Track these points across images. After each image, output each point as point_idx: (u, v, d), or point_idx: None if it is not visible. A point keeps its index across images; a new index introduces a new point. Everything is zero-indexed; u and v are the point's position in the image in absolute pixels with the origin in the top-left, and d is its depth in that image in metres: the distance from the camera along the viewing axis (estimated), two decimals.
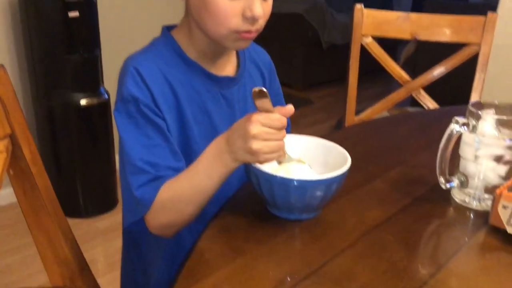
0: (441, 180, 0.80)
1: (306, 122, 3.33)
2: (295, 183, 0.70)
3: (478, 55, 1.47)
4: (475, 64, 1.48)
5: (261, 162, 0.71)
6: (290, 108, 0.70)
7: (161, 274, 0.90)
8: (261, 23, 0.80)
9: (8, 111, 0.76)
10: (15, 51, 2.15)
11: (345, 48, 1.53)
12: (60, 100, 2.03)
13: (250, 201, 0.80)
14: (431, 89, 1.54)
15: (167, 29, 0.88)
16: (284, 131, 0.71)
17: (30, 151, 0.79)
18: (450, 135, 0.76)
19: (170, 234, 0.81)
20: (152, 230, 0.80)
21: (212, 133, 0.77)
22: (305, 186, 0.70)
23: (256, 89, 0.68)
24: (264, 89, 0.68)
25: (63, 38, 1.96)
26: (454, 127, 0.76)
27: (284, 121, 0.69)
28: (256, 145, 0.68)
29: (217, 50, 0.86)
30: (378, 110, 1.53)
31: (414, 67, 2.87)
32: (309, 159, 0.80)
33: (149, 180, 0.77)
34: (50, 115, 2.08)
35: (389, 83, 3.81)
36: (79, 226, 2.12)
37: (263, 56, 1.00)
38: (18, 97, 0.75)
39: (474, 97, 1.48)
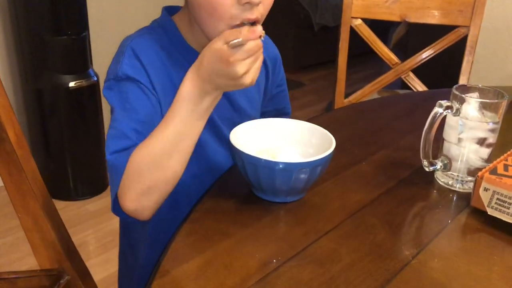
0: (425, 163, 0.81)
1: (297, 104, 3.33)
2: (280, 165, 0.70)
3: (467, 37, 1.47)
4: (465, 46, 1.48)
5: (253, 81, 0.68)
6: (258, 30, 0.65)
7: (146, 259, 0.90)
8: (261, 11, 0.74)
9: None
10: (2, 34, 2.12)
11: (337, 30, 1.53)
12: (48, 83, 2.01)
13: (235, 185, 0.81)
14: (421, 71, 1.54)
15: (167, 12, 0.85)
16: (259, 43, 0.66)
17: (15, 133, 0.79)
18: (434, 118, 0.77)
19: (148, 210, 0.72)
20: (126, 207, 0.71)
21: (210, 121, 0.75)
22: (290, 168, 0.71)
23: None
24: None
25: (50, 19, 1.94)
26: (437, 110, 0.76)
27: (257, 42, 0.65)
28: (247, 79, 0.66)
29: None
30: (367, 92, 1.53)
31: (406, 49, 2.86)
32: (294, 142, 0.81)
33: (128, 146, 0.72)
34: (39, 98, 2.06)
35: (380, 66, 3.80)
36: (70, 209, 2.13)
37: (269, 48, 0.97)
38: (6, 80, 0.75)
39: (462, 80, 1.49)
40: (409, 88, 1.56)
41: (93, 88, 2.09)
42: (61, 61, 2.00)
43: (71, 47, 1.99)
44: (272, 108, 1.03)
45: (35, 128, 2.12)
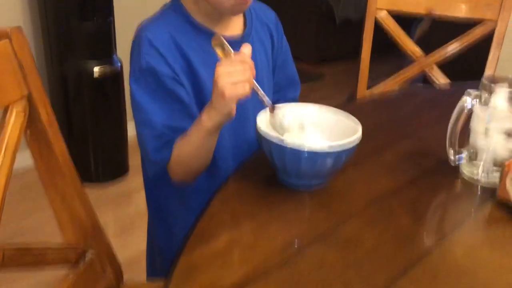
0: (451, 152, 0.81)
1: (317, 96, 3.32)
2: (306, 151, 0.71)
3: (494, 32, 1.45)
4: (489, 41, 1.46)
5: (231, 99, 0.74)
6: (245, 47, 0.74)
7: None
8: None
9: (26, 72, 0.77)
10: (30, 19, 2.16)
11: (359, 24, 1.52)
12: (73, 68, 2.04)
13: (261, 169, 0.82)
14: (444, 66, 1.53)
15: None
16: (248, 68, 0.74)
17: (46, 112, 0.81)
18: (462, 107, 0.77)
19: (191, 180, 0.90)
20: (173, 180, 0.89)
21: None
22: (316, 154, 0.71)
23: (213, 37, 0.77)
24: (218, 34, 0.76)
25: (77, 5, 1.96)
26: (466, 99, 0.76)
27: (243, 56, 0.74)
28: (221, 81, 0.73)
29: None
30: (390, 85, 1.52)
31: (428, 46, 2.83)
32: (320, 127, 0.81)
33: (166, 142, 0.84)
34: (63, 82, 2.09)
35: (400, 62, 3.77)
36: (90, 192, 2.11)
37: (268, 14, 1.02)
38: None
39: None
40: (431, 83, 1.54)
41: (117, 74, 2.11)
42: (86, 46, 2.02)
43: (96, 32, 2.02)
44: (283, 76, 1.06)
45: (59, 111, 2.15)
